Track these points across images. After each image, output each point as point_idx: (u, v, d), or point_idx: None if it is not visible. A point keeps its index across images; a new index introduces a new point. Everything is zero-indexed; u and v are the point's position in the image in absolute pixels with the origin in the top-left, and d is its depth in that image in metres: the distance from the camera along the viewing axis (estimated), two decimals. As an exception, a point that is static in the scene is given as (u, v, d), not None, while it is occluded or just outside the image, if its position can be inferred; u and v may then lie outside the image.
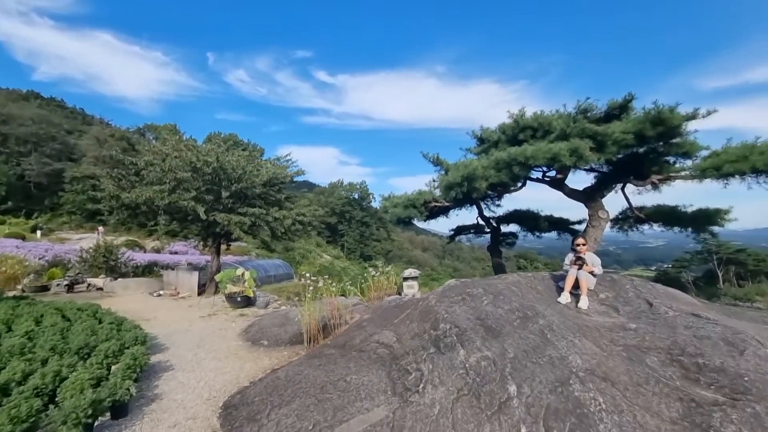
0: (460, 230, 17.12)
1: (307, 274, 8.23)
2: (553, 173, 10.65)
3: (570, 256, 5.67)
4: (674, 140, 9.59)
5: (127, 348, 5.53)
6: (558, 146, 8.17)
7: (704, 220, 10.89)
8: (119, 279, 15.06)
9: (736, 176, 8.54)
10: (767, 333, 3.82)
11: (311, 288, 7.48)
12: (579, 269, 5.35)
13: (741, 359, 3.10)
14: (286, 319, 8.29)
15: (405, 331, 5.74)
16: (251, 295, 10.72)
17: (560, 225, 14.25)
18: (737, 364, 3.03)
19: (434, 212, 14.13)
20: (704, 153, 9.63)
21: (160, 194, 11.75)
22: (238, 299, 10.63)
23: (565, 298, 5.20)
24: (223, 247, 16.12)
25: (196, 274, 13.65)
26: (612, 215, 11.69)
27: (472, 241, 19.00)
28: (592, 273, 5.38)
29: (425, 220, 16.31)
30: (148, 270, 19.04)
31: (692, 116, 8.69)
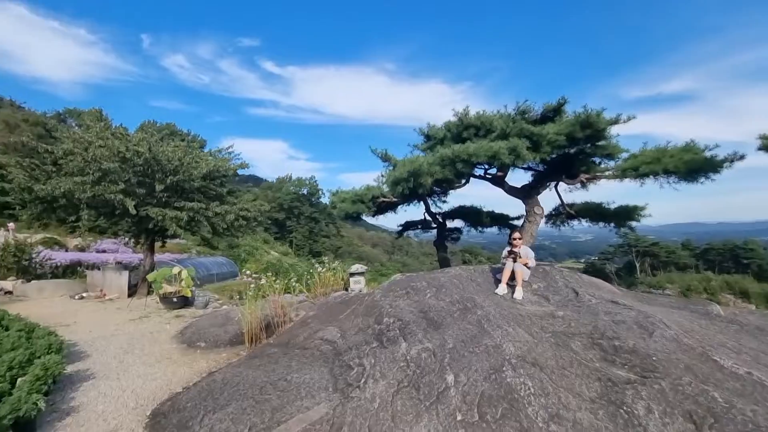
0: (408, 226, 17.39)
1: (248, 272, 7.88)
2: (494, 171, 11.13)
3: (507, 250, 5.96)
4: (600, 143, 10.44)
5: (38, 357, 4.92)
6: (498, 145, 8.54)
7: (624, 215, 12.00)
8: (33, 281, 13.45)
9: (651, 176, 9.47)
10: (673, 316, 4.27)
11: (253, 286, 7.18)
12: (514, 262, 5.62)
13: (650, 340, 3.43)
14: (227, 319, 7.89)
15: (350, 326, 5.69)
16: (189, 294, 10.08)
17: (501, 220, 14.97)
18: (647, 345, 3.34)
19: (382, 208, 14.21)
20: (625, 155, 10.60)
21: (82, 186, 10.62)
22: (174, 300, 9.94)
23: (502, 289, 5.45)
24: (158, 244, 14.99)
25: (126, 273, 12.56)
26: (546, 211, 12.50)
27: (419, 236, 19.38)
28: (526, 265, 5.69)
29: (373, 216, 16.35)
30: (71, 271, 17.21)
31: (615, 121, 9.49)
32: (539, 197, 11.73)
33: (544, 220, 12.36)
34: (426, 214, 15.90)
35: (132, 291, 12.55)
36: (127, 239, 18.57)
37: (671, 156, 9.25)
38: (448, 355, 3.70)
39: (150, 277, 10.40)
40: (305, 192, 67.49)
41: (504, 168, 10.52)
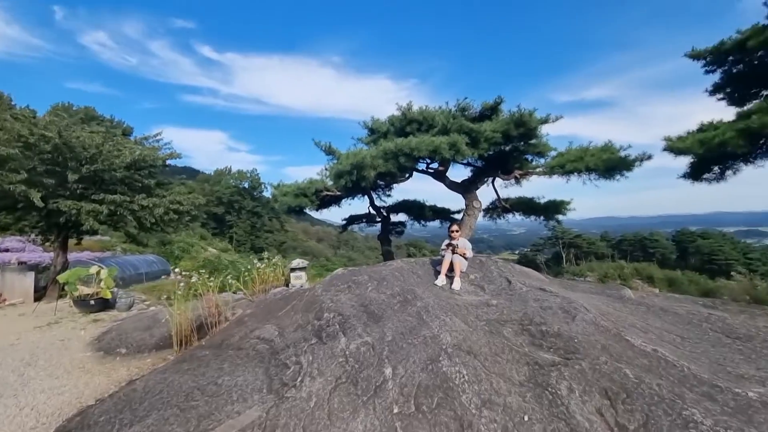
0: (353, 220, 17.27)
1: (176, 269, 7.28)
2: (435, 165, 11.37)
3: (446, 242, 6.08)
4: (532, 141, 11.08)
5: None
6: (439, 140, 8.71)
7: (553, 209, 12.89)
8: None
9: (575, 173, 10.24)
10: (592, 301, 4.62)
11: (182, 284, 6.65)
12: (453, 253, 5.76)
13: (573, 324, 3.66)
14: (154, 321, 7.25)
15: (288, 323, 5.47)
16: (109, 296, 9.10)
17: (442, 214, 15.40)
18: (570, 328, 3.56)
19: (326, 201, 13.94)
20: (553, 153, 11.36)
21: (-28, 175, 9.13)
22: (92, 302, 8.93)
23: (441, 280, 5.55)
24: (73, 241, 13.42)
25: (31, 275, 11.06)
26: (484, 205, 13.06)
27: (364, 230, 19.35)
28: (464, 256, 5.85)
29: (317, 210, 16.01)
30: (-38, 273, 14.81)
31: (545, 120, 10.10)
32: (477, 192, 12.21)
33: (482, 213, 12.90)
34: (370, 208, 15.90)
35: (40, 294, 11.09)
36: (33, 236, 16.41)
37: (592, 155, 10.06)
38: (387, 348, 3.67)
39: (61, 278, 9.24)
40: (246, 185, 64.49)
41: (445, 163, 10.78)
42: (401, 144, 8.79)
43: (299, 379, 3.60)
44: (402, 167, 9.69)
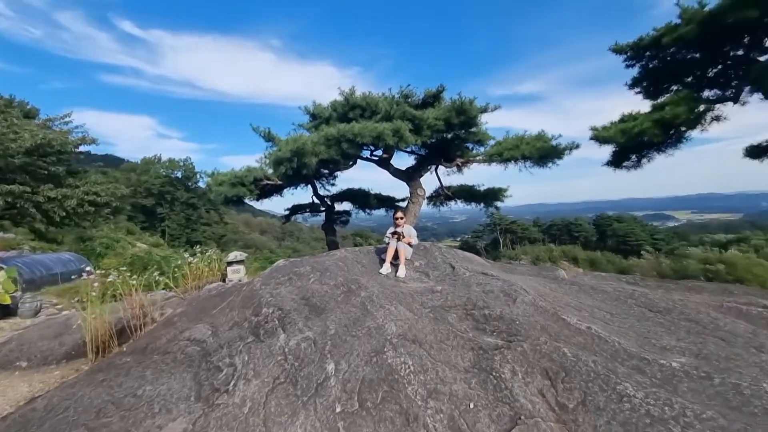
0: (296, 210, 16.66)
1: (88, 268, 6.45)
2: (379, 152, 11.22)
3: (390, 230, 5.96)
4: (472, 129, 11.32)
5: None
6: (382, 126, 8.53)
7: (492, 196, 13.38)
8: None
9: (512, 161, 10.64)
10: (530, 282, 4.76)
11: (96, 285, 5.88)
12: (398, 241, 5.65)
13: (514, 306, 3.70)
14: (66, 327, 6.36)
15: (223, 321, 5.04)
16: (7, 302, 7.84)
17: (387, 202, 15.36)
18: (511, 311, 3.59)
19: (266, 191, 13.24)
20: (492, 142, 11.72)
21: None
22: (-15, 310, 7.65)
23: (386, 268, 5.43)
24: (-39, 239, 11.48)
25: None
26: (428, 193, 13.21)
27: (308, 220, 18.79)
28: (409, 244, 5.77)
29: (257, 200, 15.20)
30: None
31: (484, 109, 10.34)
32: (421, 180, 12.28)
33: (426, 201, 13.03)
34: (314, 197, 15.41)
35: None
36: None
37: (527, 143, 10.51)
38: (329, 342, 3.45)
39: (-57, 283, 7.77)
40: (179, 175, 59.90)
41: (389, 150, 10.67)
42: (344, 130, 8.47)
43: (232, 383, 3.27)
44: (345, 154, 9.39)
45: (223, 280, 8.09)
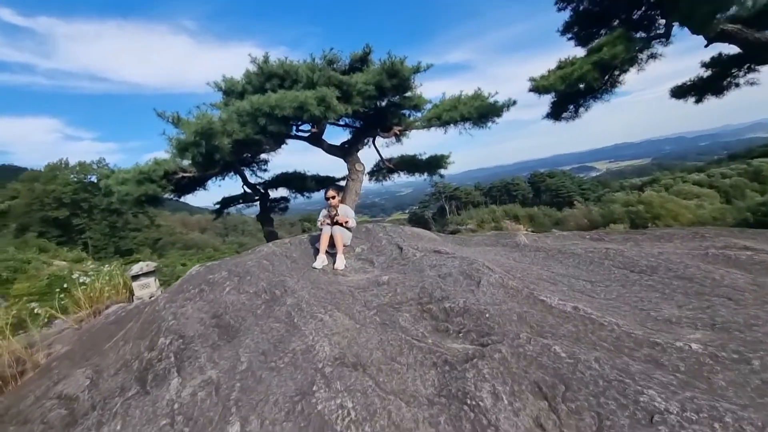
0: (227, 202, 14.90)
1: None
2: (308, 127, 9.95)
3: (323, 212, 4.93)
4: (407, 94, 10.39)
5: None
6: (305, 94, 7.29)
7: (435, 165, 12.69)
8: None
9: (452, 124, 9.92)
10: (490, 255, 4.02)
11: None
12: (332, 225, 4.65)
13: (479, 292, 2.90)
14: None
15: (112, 361, 3.77)
16: None
17: (326, 182, 14.15)
18: (477, 299, 2.78)
19: (184, 185, 11.43)
20: (429, 106, 10.90)
21: None
22: None
23: (321, 261, 4.42)
24: None
25: None
26: (368, 168, 12.22)
27: (242, 211, 17.05)
28: (346, 226, 4.79)
29: (179, 197, 13.29)
30: None
31: (417, 69, 9.42)
32: (359, 154, 11.23)
33: (366, 177, 12.05)
34: (245, 187, 13.77)
35: None
36: None
37: (465, 103, 9.81)
38: (238, 385, 2.41)
39: None
40: (95, 179, 53.22)
41: (318, 124, 9.44)
42: (258, 102, 7.11)
43: (88, 476, 2.15)
44: (267, 132, 8.03)
45: (132, 299, 6.61)
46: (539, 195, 75.92)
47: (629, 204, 38.95)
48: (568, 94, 7.53)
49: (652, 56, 6.76)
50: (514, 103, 9.88)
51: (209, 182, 12.77)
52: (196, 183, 11.99)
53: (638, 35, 6.87)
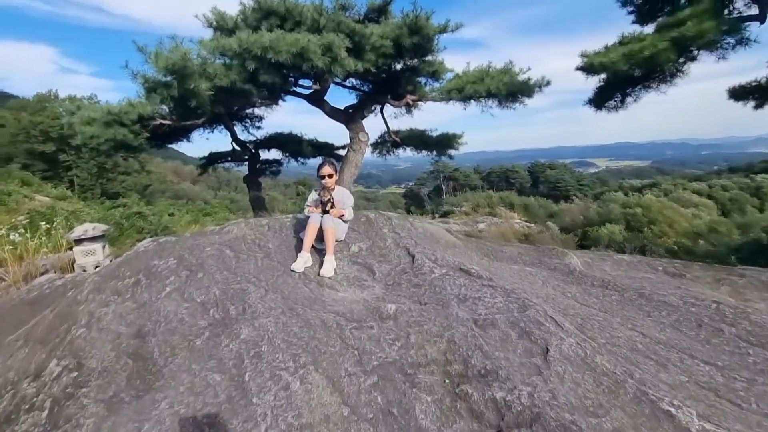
0: (214, 158, 13.46)
1: None
2: (309, 83, 8.48)
3: (313, 196, 3.65)
4: (427, 58, 8.89)
5: None
6: (307, 38, 5.83)
7: (445, 143, 11.33)
8: None
9: (475, 99, 8.53)
10: (538, 285, 2.85)
11: None
12: (324, 214, 3.42)
13: (551, 375, 1.73)
14: None
15: (-12, 377, 2.60)
16: None
17: (324, 150, 12.72)
18: (552, 393, 1.62)
19: (162, 134, 9.95)
20: (449, 76, 9.42)
21: None
22: None
23: (303, 262, 3.20)
24: None
25: None
26: (371, 139, 10.82)
27: (231, 170, 15.62)
28: (342, 218, 3.56)
29: (158, 147, 11.93)
30: None
31: (444, 28, 7.89)
32: (364, 122, 9.82)
33: (369, 148, 10.69)
34: (234, 144, 12.29)
35: None
36: None
37: (492, 77, 8.39)
38: None
39: None
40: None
41: (321, 79, 7.96)
42: (248, 41, 5.62)
43: None
44: (257, 81, 6.59)
45: (73, 267, 5.37)
46: (537, 185, 74.92)
47: (627, 205, 38.30)
48: (622, 77, 6.23)
49: (742, 41, 5.41)
50: (548, 83, 8.49)
51: (194, 134, 11.30)
52: (177, 133, 10.51)
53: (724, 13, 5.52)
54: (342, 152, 13.22)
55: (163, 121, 8.68)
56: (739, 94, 7.68)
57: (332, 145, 13.23)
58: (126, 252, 4.22)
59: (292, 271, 3.15)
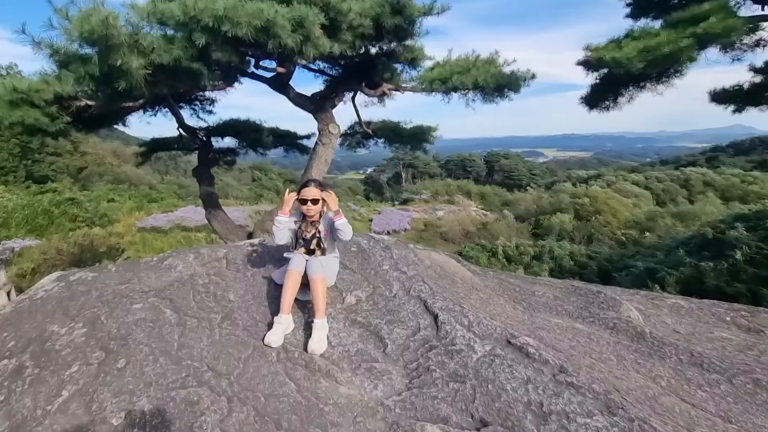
0: (157, 146, 11.62)
1: None
2: (272, 64, 7.17)
3: (289, 227, 2.58)
4: (406, 42, 7.88)
5: None
6: (274, 9, 4.61)
7: (420, 137, 10.45)
8: None
9: (460, 90, 7.70)
10: (610, 358, 2.07)
11: None
12: (309, 254, 2.42)
13: None
14: None
15: None
16: None
17: (287, 140, 11.35)
18: None
19: (91, 118, 8.17)
20: (428, 64, 8.49)
21: None
22: None
23: (280, 333, 2.17)
24: None
25: None
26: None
27: (178, 159, 13.72)
28: (338, 235, 2.56)
29: (84, 131, 9.98)
30: None
31: (429, 10, 6.91)
32: (334, 112, 8.67)
33: (339, 140, 9.56)
34: (180, 129, 10.56)
35: None
36: None
37: (478, 68, 7.58)
38: None
39: None
40: None
41: (286, 59, 6.70)
42: (197, 8, 4.29)
43: None
44: (208, 60, 5.26)
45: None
46: (492, 174, 76.95)
47: (576, 196, 40.10)
48: (625, 75, 5.69)
49: (760, 43, 5.05)
50: (533, 76, 7.86)
51: (132, 117, 9.51)
52: (109, 116, 8.72)
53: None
54: (307, 142, 11.92)
55: (89, 102, 6.99)
56: (721, 97, 7.49)
57: (295, 134, 11.87)
58: (20, 298, 2.94)
59: (266, 344, 2.14)
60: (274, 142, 11.15)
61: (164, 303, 2.40)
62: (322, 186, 2.55)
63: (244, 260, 2.99)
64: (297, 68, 8.37)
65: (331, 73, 9.35)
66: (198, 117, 11.27)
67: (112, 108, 7.71)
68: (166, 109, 10.04)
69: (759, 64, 7.17)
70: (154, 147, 11.85)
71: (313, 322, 2.24)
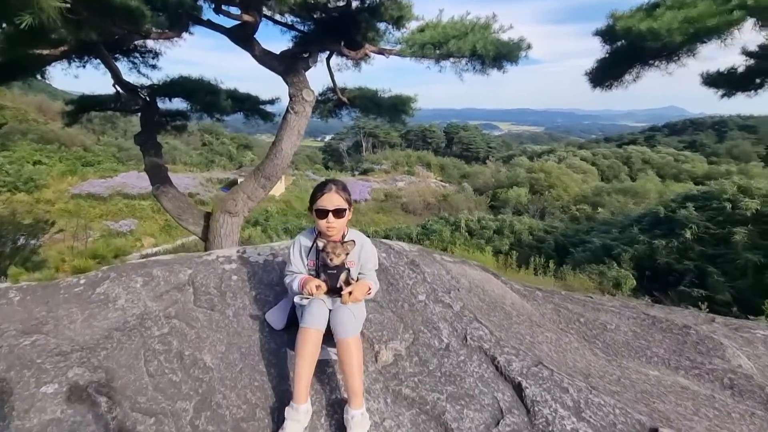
0: (87, 105, 9.62)
1: None
2: (235, 12, 5.77)
3: (304, 256, 1.69)
4: (393, -5, 6.74)
5: None
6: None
7: (400, 107, 9.46)
8: None
9: (453, 57, 6.81)
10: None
11: None
12: (334, 296, 1.58)
13: None
14: None
15: None
16: None
17: (248, 104, 9.82)
18: None
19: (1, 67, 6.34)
20: (415, 24, 7.42)
21: None
22: None
23: (301, 420, 1.38)
24: None
25: None
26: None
27: (115, 120, 11.64)
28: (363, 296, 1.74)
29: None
30: None
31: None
32: (308, 75, 7.45)
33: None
34: (117, 86, 8.70)
35: None
36: None
37: (475, 33, 6.70)
38: None
39: None
40: None
41: (250, 9, 5.37)
42: None
43: None
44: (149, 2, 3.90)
45: None
46: (451, 146, 77.35)
47: (532, 170, 41.27)
48: (639, 50, 5.13)
49: None
50: (529, 47, 7.13)
51: (52, 68, 7.61)
52: (22, 66, 6.83)
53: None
54: (270, 108, 10.49)
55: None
56: (714, 80, 7.26)
57: (257, 98, 10.36)
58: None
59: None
60: (232, 107, 9.59)
61: (96, 378, 1.45)
62: (348, 194, 1.65)
63: (219, 288, 2.05)
64: (262, 22, 6.97)
65: (300, 28, 7.97)
66: (139, 72, 9.39)
67: (20, 54, 5.95)
68: (98, 60, 8.21)
69: (752, 48, 6.96)
70: (85, 106, 9.85)
71: (345, 409, 1.43)
